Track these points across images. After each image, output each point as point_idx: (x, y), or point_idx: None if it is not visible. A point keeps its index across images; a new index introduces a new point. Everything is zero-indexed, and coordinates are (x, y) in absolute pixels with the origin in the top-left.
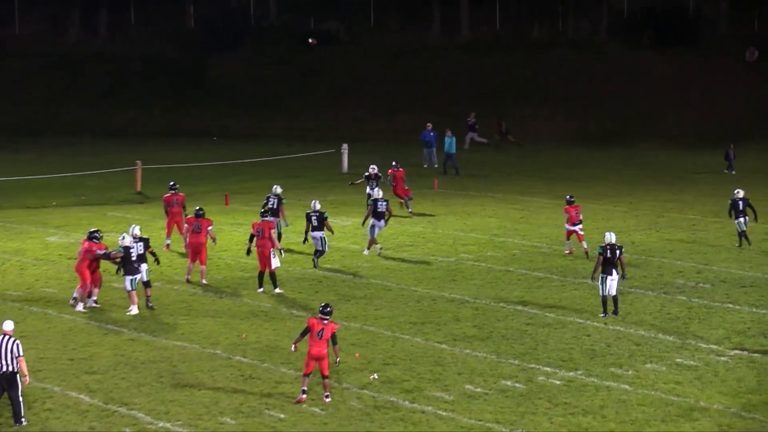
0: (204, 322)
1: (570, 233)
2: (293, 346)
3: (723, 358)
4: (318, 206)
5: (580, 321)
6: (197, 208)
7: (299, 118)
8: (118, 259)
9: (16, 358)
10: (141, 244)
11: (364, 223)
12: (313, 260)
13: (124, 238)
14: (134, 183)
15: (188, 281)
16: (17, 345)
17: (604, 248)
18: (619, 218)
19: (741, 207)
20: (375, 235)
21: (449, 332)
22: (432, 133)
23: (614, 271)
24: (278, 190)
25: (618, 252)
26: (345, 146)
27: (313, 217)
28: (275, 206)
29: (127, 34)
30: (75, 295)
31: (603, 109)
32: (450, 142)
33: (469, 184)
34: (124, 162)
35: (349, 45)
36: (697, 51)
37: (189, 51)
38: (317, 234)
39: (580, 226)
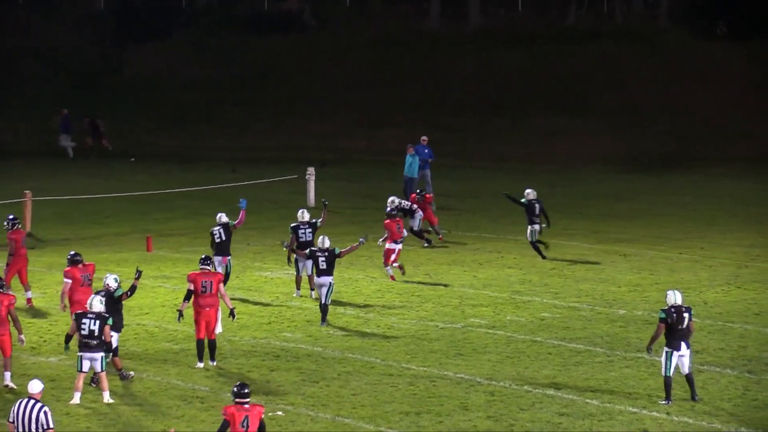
0: (121, 410)
1: (390, 253)
2: None
3: None
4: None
5: (634, 410)
6: (73, 252)
7: (248, 133)
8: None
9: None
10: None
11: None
12: (322, 319)
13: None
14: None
15: None
16: (46, 414)
17: (668, 312)
18: (686, 269)
19: (537, 211)
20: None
21: (454, 426)
22: (427, 150)
23: (683, 343)
24: (224, 218)
25: (687, 316)
26: (311, 170)
27: (321, 258)
28: (224, 238)
29: (16, 22)
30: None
31: (662, 120)
32: (411, 162)
33: (481, 221)
34: (7, 192)
35: (316, 33)
36: None
37: (97, 43)
38: (325, 280)
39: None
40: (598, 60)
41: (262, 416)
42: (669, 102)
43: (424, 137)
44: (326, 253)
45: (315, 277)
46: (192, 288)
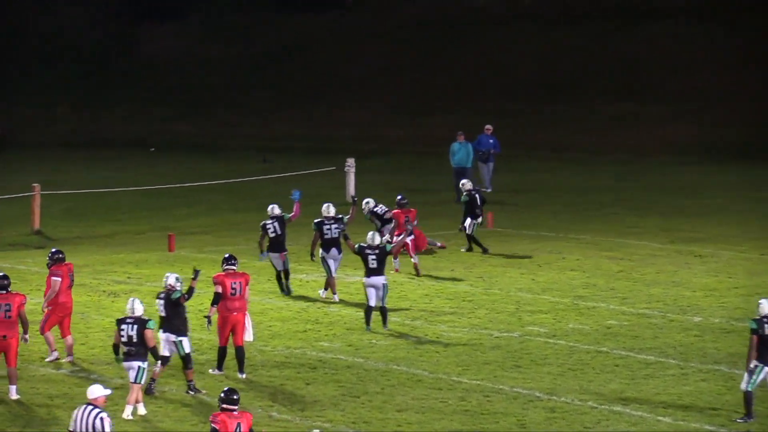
0: (140, 429)
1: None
2: None
3: None
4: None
5: (711, 428)
6: (55, 249)
7: (276, 121)
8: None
9: None
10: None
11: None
12: (384, 321)
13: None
14: (30, 217)
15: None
16: (102, 420)
17: (759, 322)
18: None
19: (479, 202)
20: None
21: None
22: (492, 140)
23: None
24: (277, 209)
25: None
26: (350, 162)
27: (371, 256)
28: (280, 232)
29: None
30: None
31: (740, 106)
32: (459, 150)
33: (540, 218)
34: (14, 186)
35: (349, 12)
36: None
37: (109, 23)
38: (378, 281)
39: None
40: (668, 39)
41: (252, 425)
42: (747, 86)
43: (489, 126)
44: (377, 251)
45: (365, 278)
46: (220, 291)
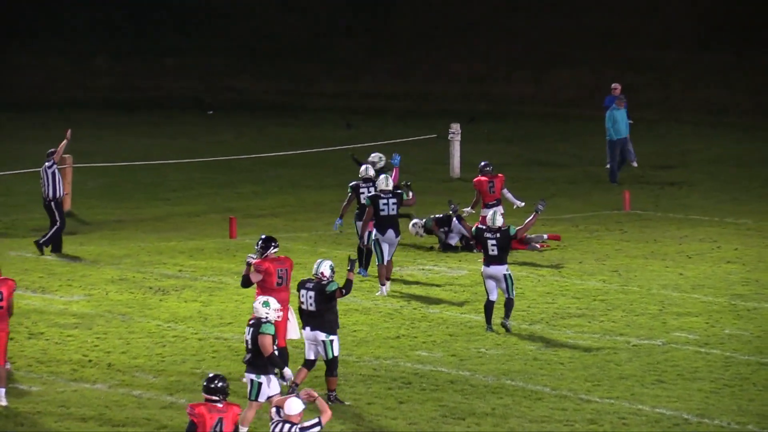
0: None
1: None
2: None
3: None
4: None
5: None
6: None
7: (366, 76)
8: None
9: None
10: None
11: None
12: (504, 324)
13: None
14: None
15: None
16: None
17: None
18: None
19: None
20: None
21: None
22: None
23: None
24: (371, 171)
25: None
26: (455, 128)
27: (491, 240)
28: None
29: None
30: None
31: None
32: (615, 117)
33: (690, 198)
34: (40, 156)
35: None
36: None
37: None
38: (498, 271)
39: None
40: None
41: (238, 420)
42: None
43: (616, 84)
44: (498, 234)
45: (483, 267)
46: (260, 280)
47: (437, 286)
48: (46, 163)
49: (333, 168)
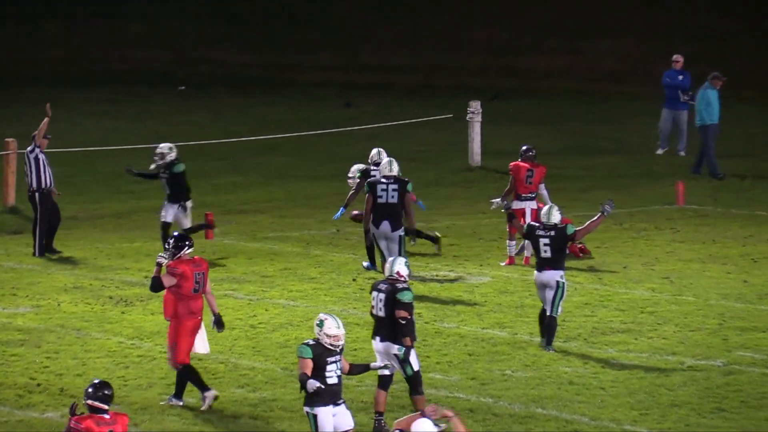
0: None
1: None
2: None
3: None
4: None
5: None
6: None
7: (367, 45)
8: None
9: None
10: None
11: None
12: (544, 343)
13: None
14: (2, 188)
15: None
16: None
17: None
18: None
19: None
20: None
21: None
22: (682, 77)
23: None
24: (384, 154)
25: None
26: (475, 106)
27: (543, 240)
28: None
29: None
30: None
31: None
32: (708, 98)
33: (756, 193)
34: None
35: None
36: None
37: None
38: (550, 277)
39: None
40: None
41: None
42: None
43: (678, 56)
44: (552, 232)
45: (536, 273)
46: (175, 284)
47: (454, 297)
48: (28, 148)
49: (328, 155)
